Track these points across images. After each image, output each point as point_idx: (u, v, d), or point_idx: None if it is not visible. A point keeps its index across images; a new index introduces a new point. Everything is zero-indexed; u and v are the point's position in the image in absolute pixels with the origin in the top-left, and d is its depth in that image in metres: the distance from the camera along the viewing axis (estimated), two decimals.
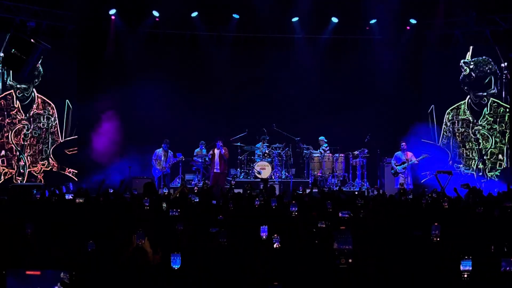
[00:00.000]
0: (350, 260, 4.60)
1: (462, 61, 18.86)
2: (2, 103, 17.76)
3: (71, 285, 3.73)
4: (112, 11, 18.38)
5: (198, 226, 6.71)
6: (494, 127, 18.50)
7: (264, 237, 6.05)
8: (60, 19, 18.01)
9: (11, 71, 17.15)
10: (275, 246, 5.86)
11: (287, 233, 6.05)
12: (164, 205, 9.07)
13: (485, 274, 4.82)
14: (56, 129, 18.48)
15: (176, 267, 5.09)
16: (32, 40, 15.50)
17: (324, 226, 6.58)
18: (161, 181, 17.12)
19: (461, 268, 4.71)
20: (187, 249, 5.71)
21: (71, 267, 4.10)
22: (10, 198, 11.12)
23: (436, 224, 5.89)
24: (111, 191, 11.73)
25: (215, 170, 17.04)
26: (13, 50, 15.48)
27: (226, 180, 17.23)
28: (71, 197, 10.44)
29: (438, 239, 5.82)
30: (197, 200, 10.03)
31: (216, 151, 16.97)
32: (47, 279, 3.68)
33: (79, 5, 17.62)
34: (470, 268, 4.69)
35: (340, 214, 8.12)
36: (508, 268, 4.73)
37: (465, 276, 4.68)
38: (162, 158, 17.15)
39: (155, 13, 18.65)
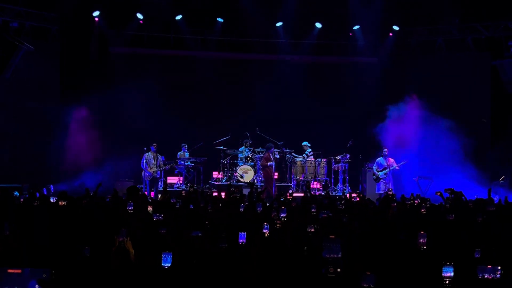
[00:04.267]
0: (338, 270, 4.63)
1: None
2: None
3: (50, 283, 3.76)
4: (96, 13, 18.29)
5: (184, 230, 6.71)
6: None
7: (242, 242, 6.06)
8: (43, 20, 17.93)
9: None
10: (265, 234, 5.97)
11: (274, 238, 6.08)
12: (150, 209, 9.09)
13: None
14: None
15: (167, 265, 5.19)
16: (15, 42, 15.50)
17: (313, 230, 6.61)
18: (153, 185, 17.03)
19: (443, 274, 4.75)
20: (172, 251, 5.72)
21: (53, 266, 4.13)
22: None
23: (422, 232, 5.94)
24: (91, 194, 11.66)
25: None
26: None
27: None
28: (55, 200, 10.42)
29: (424, 247, 5.86)
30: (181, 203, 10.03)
31: (271, 156, 17.00)
32: (26, 277, 3.71)
33: (62, 7, 17.58)
34: (452, 274, 4.73)
35: (320, 214, 8.26)
36: (484, 275, 4.79)
37: (447, 282, 4.72)
38: (153, 161, 17.07)
39: (139, 16, 18.60)
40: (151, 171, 16.95)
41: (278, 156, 17.29)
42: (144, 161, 16.98)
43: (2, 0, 16.88)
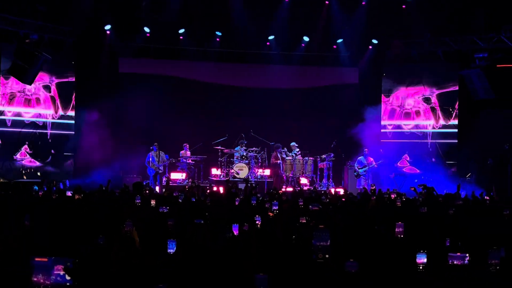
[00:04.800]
0: (327, 256, 4.64)
1: None
2: None
3: (74, 271, 3.70)
4: (107, 27, 18.26)
5: (185, 221, 6.70)
6: None
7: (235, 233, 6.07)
8: (60, 33, 17.84)
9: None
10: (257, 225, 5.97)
11: (268, 228, 6.07)
12: (153, 202, 9.06)
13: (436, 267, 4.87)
14: None
15: (171, 251, 5.18)
16: (35, 52, 15.45)
17: (304, 221, 6.62)
18: (156, 180, 17.15)
19: (417, 260, 4.76)
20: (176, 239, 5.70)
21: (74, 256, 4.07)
22: (13, 193, 10.98)
23: (400, 222, 5.96)
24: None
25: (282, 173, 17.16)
26: (16, 60, 15.41)
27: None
28: (70, 194, 10.40)
29: (402, 236, 5.87)
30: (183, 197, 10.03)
31: (279, 156, 16.92)
32: (51, 265, 3.64)
33: (77, 21, 17.51)
34: (425, 261, 4.75)
35: (310, 207, 8.27)
36: (455, 262, 4.79)
37: (421, 267, 4.73)
38: (156, 159, 17.22)
39: (146, 29, 18.58)
40: (154, 167, 17.04)
41: (285, 156, 17.20)
42: (150, 159, 17.09)
43: (23, 15, 16.80)
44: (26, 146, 17.55)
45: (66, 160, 18.22)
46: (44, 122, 17.90)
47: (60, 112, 18.19)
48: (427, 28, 18.55)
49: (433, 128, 19.07)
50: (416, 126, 19.29)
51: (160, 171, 17.31)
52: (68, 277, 3.55)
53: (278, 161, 17.19)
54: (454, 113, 18.79)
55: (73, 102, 18.37)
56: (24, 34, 16.62)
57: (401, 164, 17.65)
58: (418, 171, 17.68)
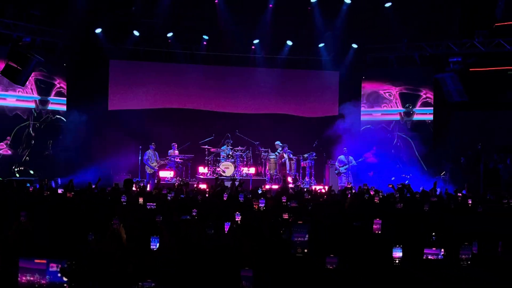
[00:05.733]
0: (305, 250, 4.67)
1: None
2: None
3: (70, 273, 3.68)
4: (98, 30, 18.17)
5: (175, 218, 6.71)
6: None
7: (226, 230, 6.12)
8: (52, 36, 17.72)
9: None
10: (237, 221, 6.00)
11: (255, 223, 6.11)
12: (141, 200, 9.06)
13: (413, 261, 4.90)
14: None
15: (155, 248, 5.16)
16: (27, 54, 15.34)
17: (287, 217, 6.68)
18: (153, 177, 17.03)
19: (393, 254, 4.77)
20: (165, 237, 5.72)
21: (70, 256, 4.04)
22: (7, 191, 10.90)
23: (377, 219, 6.01)
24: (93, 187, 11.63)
25: (288, 172, 17.02)
26: (9, 62, 15.29)
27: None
28: (62, 191, 10.37)
29: (379, 231, 5.92)
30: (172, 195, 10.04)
31: (285, 155, 16.82)
32: (49, 267, 3.60)
33: (69, 24, 17.40)
34: (401, 255, 4.77)
35: (288, 203, 8.35)
36: (429, 256, 4.83)
37: (397, 261, 4.76)
38: (154, 158, 17.17)
39: (136, 33, 18.52)
40: (153, 165, 17.03)
41: (291, 156, 17.14)
42: (147, 158, 17.06)
43: (16, 18, 16.67)
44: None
45: (59, 158, 18.06)
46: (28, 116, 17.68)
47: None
48: (404, 34, 18.71)
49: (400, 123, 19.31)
50: (386, 122, 19.49)
51: (156, 170, 17.29)
52: (64, 278, 3.54)
53: (282, 160, 17.23)
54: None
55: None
56: (18, 36, 16.50)
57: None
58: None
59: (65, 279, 3.56)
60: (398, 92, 19.44)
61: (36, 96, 17.75)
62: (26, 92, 17.49)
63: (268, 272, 4.03)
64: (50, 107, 18.16)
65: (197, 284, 3.99)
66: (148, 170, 17.18)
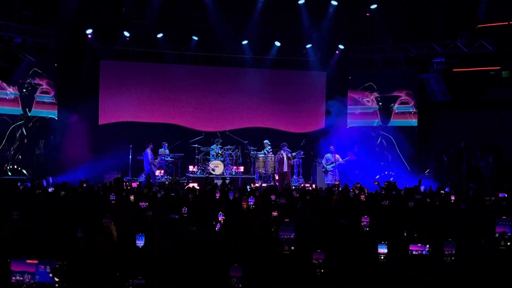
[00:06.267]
0: (292, 248, 4.66)
1: None
2: None
3: (61, 273, 3.60)
4: (89, 31, 18.04)
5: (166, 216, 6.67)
6: None
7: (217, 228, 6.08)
8: (44, 36, 17.55)
9: None
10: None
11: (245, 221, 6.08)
12: (132, 197, 9.02)
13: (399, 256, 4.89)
14: None
15: (140, 245, 5.13)
16: (18, 55, 15.18)
17: (276, 214, 6.66)
18: (155, 176, 17.07)
19: (379, 250, 4.77)
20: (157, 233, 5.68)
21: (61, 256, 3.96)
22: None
23: (365, 216, 6.01)
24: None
25: (285, 170, 16.88)
26: (0, 62, 15.11)
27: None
28: (52, 190, 10.29)
29: (367, 228, 5.91)
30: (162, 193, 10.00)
31: (283, 154, 16.74)
32: (41, 267, 3.53)
33: (60, 25, 17.28)
34: (386, 251, 4.77)
35: (278, 201, 8.34)
36: (414, 252, 4.83)
37: (382, 257, 4.76)
38: (153, 157, 17.15)
39: (126, 34, 18.41)
40: (154, 162, 17.10)
41: (290, 155, 17.12)
42: (151, 157, 16.97)
43: (8, 19, 16.50)
44: None
45: (50, 158, 17.91)
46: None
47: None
48: (389, 35, 18.79)
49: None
50: (370, 123, 19.57)
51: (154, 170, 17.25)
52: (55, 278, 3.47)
53: (279, 156, 17.17)
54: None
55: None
56: (9, 37, 16.34)
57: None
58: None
59: (56, 279, 3.48)
60: (375, 98, 19.49)
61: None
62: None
63: (266, 271, 3.98)
64: (37, 110, 17.89)
65: (191, 283, 3.92)
66: (154, 168, 17.11)
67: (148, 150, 16.99)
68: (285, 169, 16.73)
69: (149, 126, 18.69)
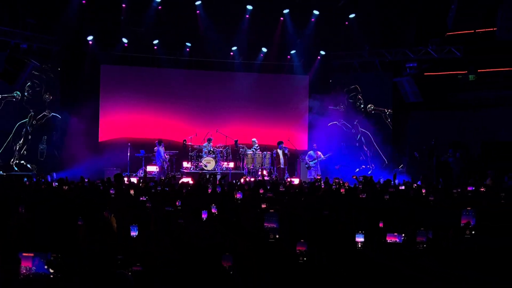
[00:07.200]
0: (277, 236, 4.67)
1: None
2: None
3: (57, 266, 3.39)
4: (90, 37, 17.96)
5: (162, 208, 6.66)
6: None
7: (204, 218, 6.04)
8: (47, 43, 17.43)
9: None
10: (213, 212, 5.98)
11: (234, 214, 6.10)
12: (132, 191, 9.00)
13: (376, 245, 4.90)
14: None
15: (134, 235, 5.09)
16: (24, 59, 15.09)
17: (265, 206, 6.67)
18: (165, 170, 17.16)
19: (356, 239, 4.77)
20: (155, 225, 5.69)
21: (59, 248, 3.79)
22: (5, 185, 10.69)
23: (344, 208, 6.03)
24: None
25: (281, 166, 16.80)
26: (7, 66, 15.02)
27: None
28: (56, 185, 10.24)
29: (347, 220, 5.92)
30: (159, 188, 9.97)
31: (279, 151, 16.67)
32: (37, 259, 3.30)
33: (63, 32, 17.20)
34: (363, 239, 4.81)
35: (266, 195, 8.36)
36: (389, 241, 4.85)
37: (359, 245, 4.78)
38: (162, 154, 17.22)
39: (125, 40, 18.35)
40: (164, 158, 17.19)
41: (286, 152, 17.07)
42: (165, 154, 17.07)
43: (13, 26, 16.37)
44: None
45: (53, 154, 17.79)
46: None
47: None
48: (367, 42, 18.93)
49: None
50: (349, 121, 19.67)
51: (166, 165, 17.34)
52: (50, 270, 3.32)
53: (274, 153, 17.23)
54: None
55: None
56: (15, 43, 16.22)
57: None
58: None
59: (51, 270, 3.34)
60: (354, 98, 19.64)
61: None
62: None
63: (266, 271, 3.89)
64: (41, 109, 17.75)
65: (191, 283, 3.77)
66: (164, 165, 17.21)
67: (160, 148, 17.05)
68: (282, 165, 16.84)
69: (145, 125, 18.61)
